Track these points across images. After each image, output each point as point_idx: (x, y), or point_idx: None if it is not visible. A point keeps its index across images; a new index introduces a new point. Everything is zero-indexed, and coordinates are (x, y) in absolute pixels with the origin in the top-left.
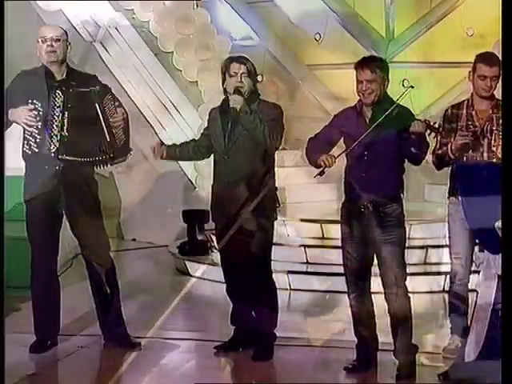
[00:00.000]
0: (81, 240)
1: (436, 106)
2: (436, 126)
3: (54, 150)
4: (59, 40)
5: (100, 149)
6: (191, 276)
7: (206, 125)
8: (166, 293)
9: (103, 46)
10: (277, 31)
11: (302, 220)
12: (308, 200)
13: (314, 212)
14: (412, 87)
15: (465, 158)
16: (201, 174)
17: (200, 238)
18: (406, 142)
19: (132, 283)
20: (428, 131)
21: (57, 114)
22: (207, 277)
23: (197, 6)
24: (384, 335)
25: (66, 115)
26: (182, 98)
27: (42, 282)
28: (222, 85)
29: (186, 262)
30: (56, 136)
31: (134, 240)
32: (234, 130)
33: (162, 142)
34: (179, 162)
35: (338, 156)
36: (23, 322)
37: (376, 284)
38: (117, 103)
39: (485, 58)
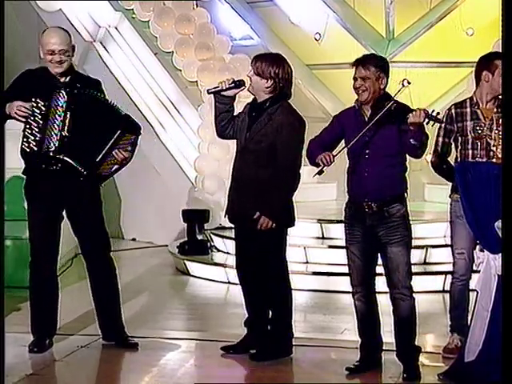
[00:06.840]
0: (81, 240)
1: (436, 106)
2: (434, 114)
3: (52, 149)
4: (67, 51)
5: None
6: (191, 276)
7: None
8: (166, 293)
9: (103, 45)
10: (277, 31)
11: (302, 220)
12: (308, 200)
13: (314, 212)
14: (409, 83)
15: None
16: (201, 173)
17: (200, 237)
18: (406, 134)
19: (132, 283)
20: (426, 120)
21: (59, 114)
22: (207, 277)
23: (197, 5)
24: (389, 335)
25: (68, 116)
26: (182, 98)
27: (41, 281)
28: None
29: (186, 262)
30: (56, 135)
31: (133, 240)
32: (252, 130)
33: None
34: (179, 162)
35: (337, 154)
36: (23, 322)
37: (381, 283)
38: (130, 148)
39: None
